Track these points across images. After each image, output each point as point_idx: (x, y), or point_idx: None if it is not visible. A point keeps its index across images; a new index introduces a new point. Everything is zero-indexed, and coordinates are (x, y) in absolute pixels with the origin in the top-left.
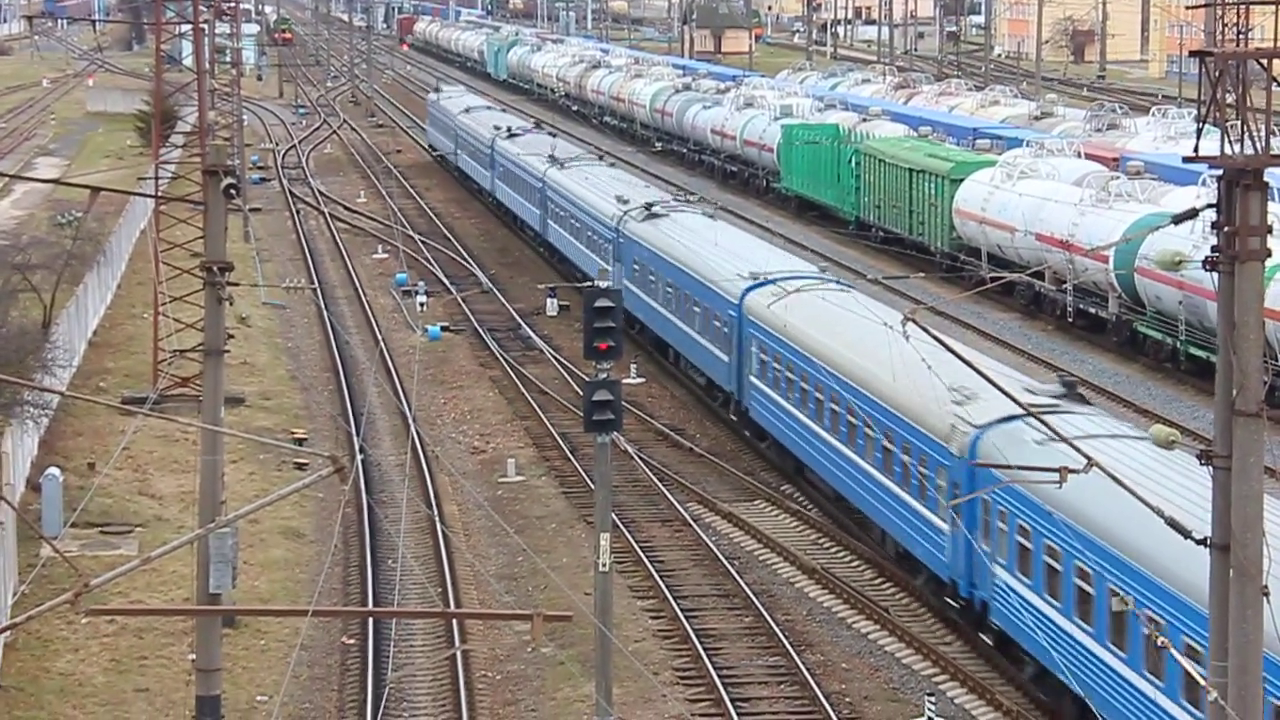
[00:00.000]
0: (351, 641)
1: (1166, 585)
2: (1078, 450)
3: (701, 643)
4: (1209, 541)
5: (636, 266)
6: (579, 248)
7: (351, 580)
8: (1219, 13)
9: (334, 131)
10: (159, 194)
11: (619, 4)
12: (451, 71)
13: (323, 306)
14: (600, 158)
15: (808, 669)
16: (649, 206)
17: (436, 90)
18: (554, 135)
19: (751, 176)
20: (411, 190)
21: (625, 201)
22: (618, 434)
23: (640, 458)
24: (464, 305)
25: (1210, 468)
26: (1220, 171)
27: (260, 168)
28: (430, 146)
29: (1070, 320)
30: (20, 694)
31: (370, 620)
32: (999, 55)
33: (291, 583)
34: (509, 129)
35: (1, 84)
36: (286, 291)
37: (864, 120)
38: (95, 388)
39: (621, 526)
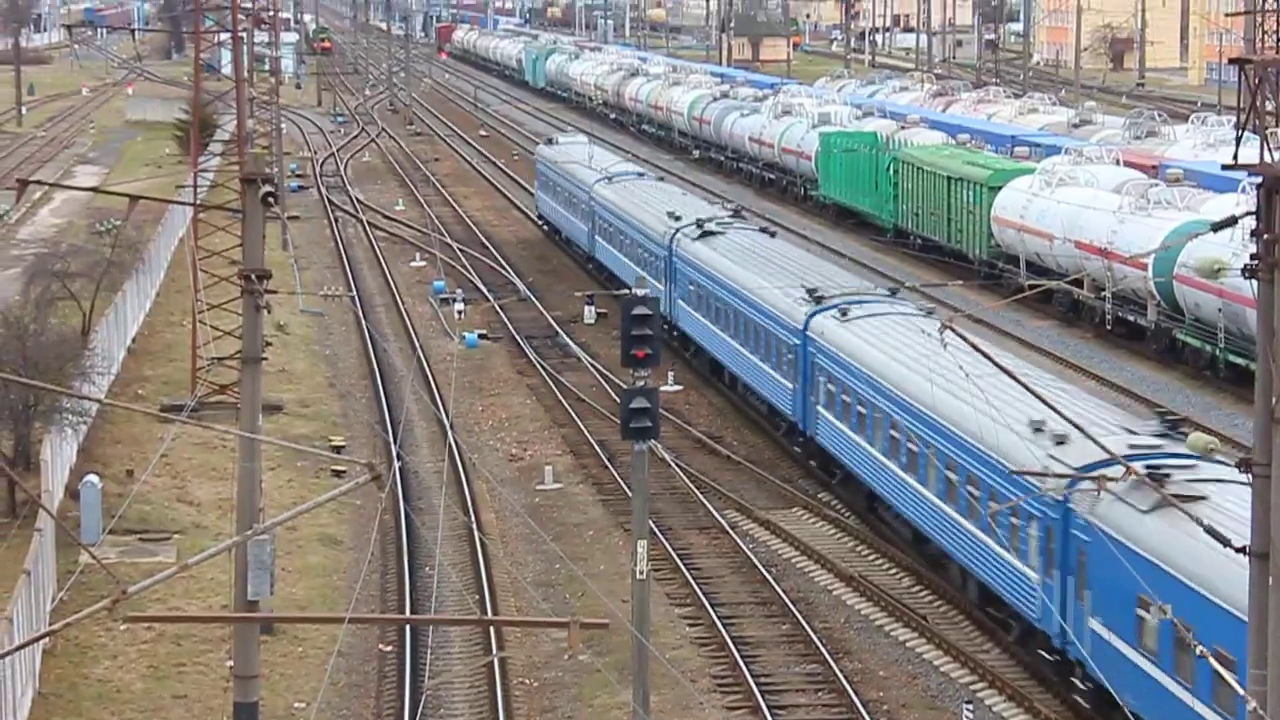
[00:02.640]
0: (389, 648)
1: None
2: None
3: (739, 650)
4: (1248, 550)
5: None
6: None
7: (389, 587)
8: (1259, 19)
9: (372, 140)
10: (197, 202)
11: (657, 12)
12: (490, 80)
13: (361, 314)
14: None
15: (845, 677)
16: (701, 224)
17: (550, 142)
18: (771, 234)
19: (789, 184)
20: (449, 198)
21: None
22: (655, 441)
23: (678, 465)
24: (501, 313)
25: (1249, 475)
26: (1260, 179)
27: (299, 176)
28: (540, 217)
29: (1109, 328)
30: (59, 700)
31: (407, 627)
32: (1037, 63)
33: (329, 590)
34: (699, 224)
35: (41, 92)
36: (324, 299)
37: (902, 128)
38: (134, 395)
39: (659, 534)
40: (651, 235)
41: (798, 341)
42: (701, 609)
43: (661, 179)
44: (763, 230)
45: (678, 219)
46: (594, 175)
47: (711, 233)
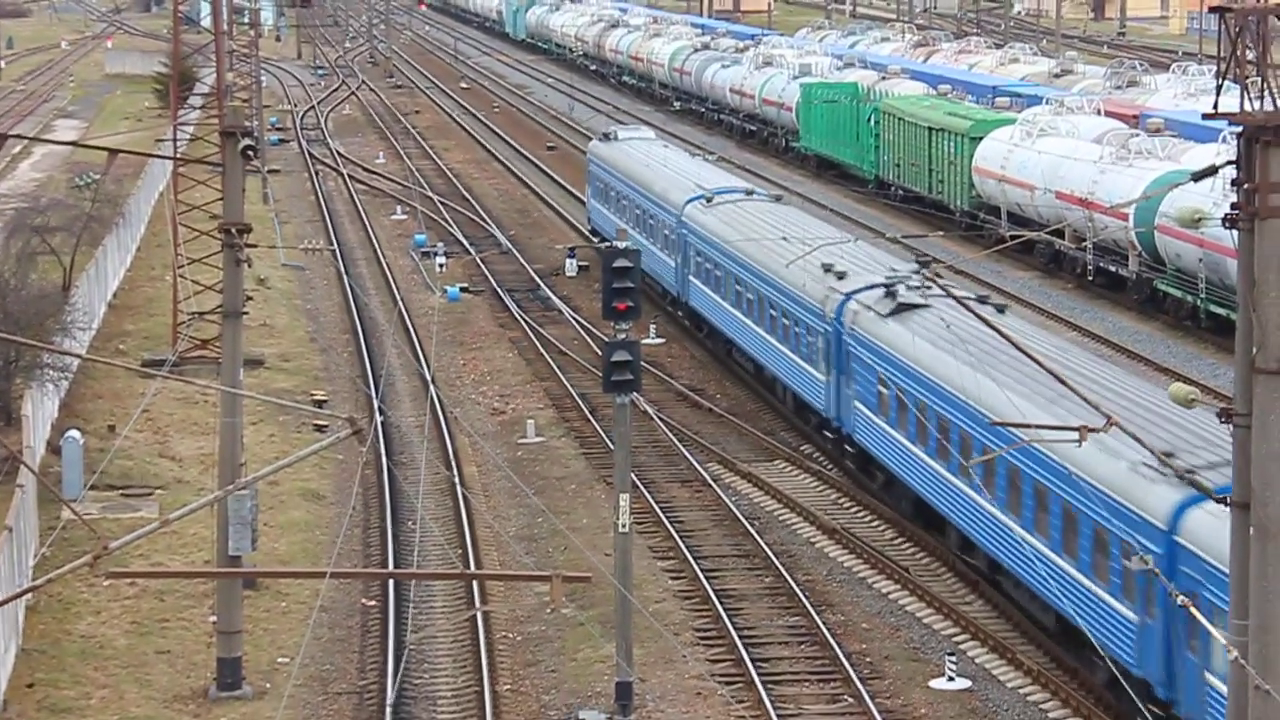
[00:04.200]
0: (372, 603)
1: None
2: None
3: (722, 603)
4: (1229, 500)
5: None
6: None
7: (371, 542)
8: None
9: (352, 92)
10: (177, 156)
11: None
12: (470, 32)
13: (342, 268)
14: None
15: (828, 629)
16: (709, 198)
17: (607, 137)
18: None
19: (770, 136)
20: (430, 151)
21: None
22: (637, 395)
23: (660, 418)
24: (483, 266)
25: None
26: (1240, 128)
27: (279, 129)
28: (594, 231)
29: (1090, 278)
30: (42, 656)
31: (390, 582)
32: (1018, 13)
33: (311, 544)
34: (889, 291)
35: (20, 45)
36: (305, 253)
37: (883, 79)
38: (115, 350)
39: (641, 487)
40: (802, 300)
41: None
42: (684, 562)
43: (779, 198)
44: (997, 307)
45: (841, 276)
46: (684, 192)
47: (910, 307)
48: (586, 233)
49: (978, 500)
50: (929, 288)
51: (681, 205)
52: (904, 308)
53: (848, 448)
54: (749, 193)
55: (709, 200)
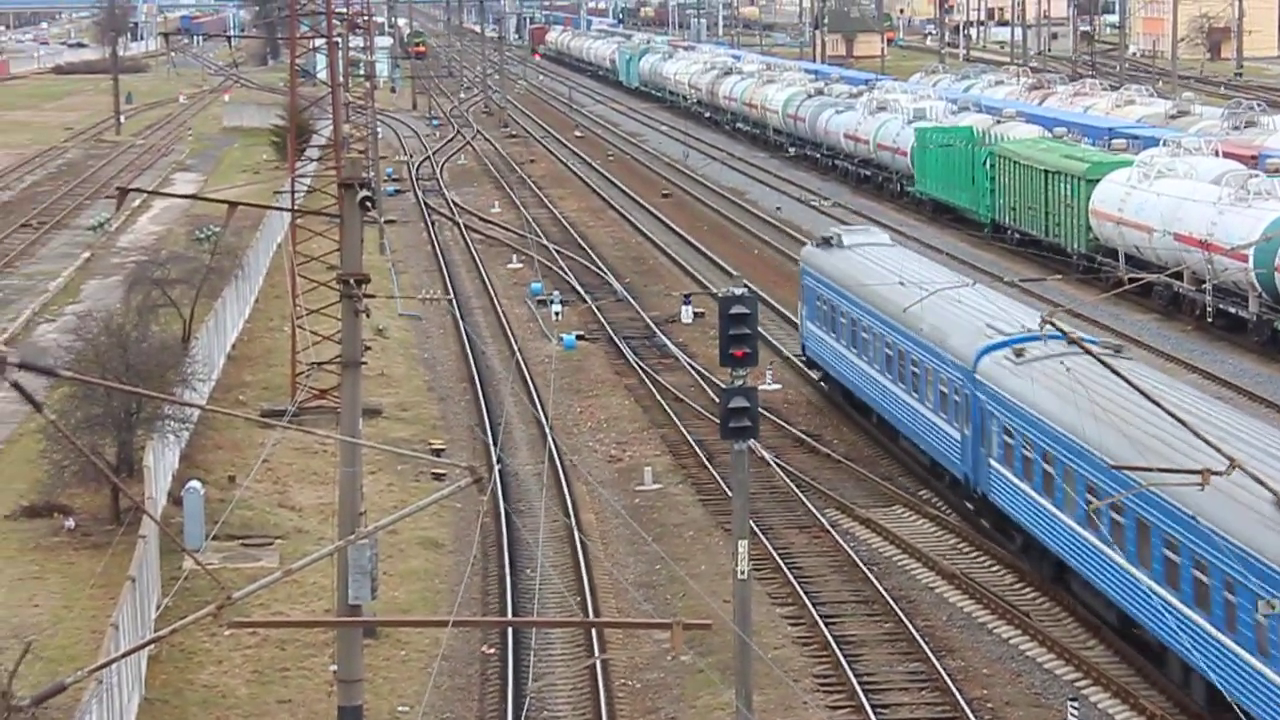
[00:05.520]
0: (491, 651)
1: None
2: None
3: (841, 649)
4: None
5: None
6: None
7: (490, 590)
8: None
9: (467, 143)
10: (295, 208)
11: (750, 10)
12: (584, 81)
13: (459, 317)
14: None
15: (949, 675)
16: (1018, 349)
17: (828, 242)
18: None
19: (885, 180)
20: (545, 199)
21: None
22: (754, 440)
23: (777, 464)
24: (599, 314)
25: None
26: None
27: (395, 180)
28: (810, 361)
29: (1210, 320)
30: (165, 706)
31: (510, 630)
32: (1134, 54)
33: (431, 593)
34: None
35: (139, 100)
36: (422, 303)
37: (998, 122)
38: (234, 401)
39: (759, 533)
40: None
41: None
42: (803, 608)
43: (1119, 350)
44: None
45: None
46: (973, 337)
47: (1050, 360)
48: (800, 361)
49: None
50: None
51: (972, 356)
52: (1044, 361)
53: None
54: (1072, 341)
55: (1019, 354)
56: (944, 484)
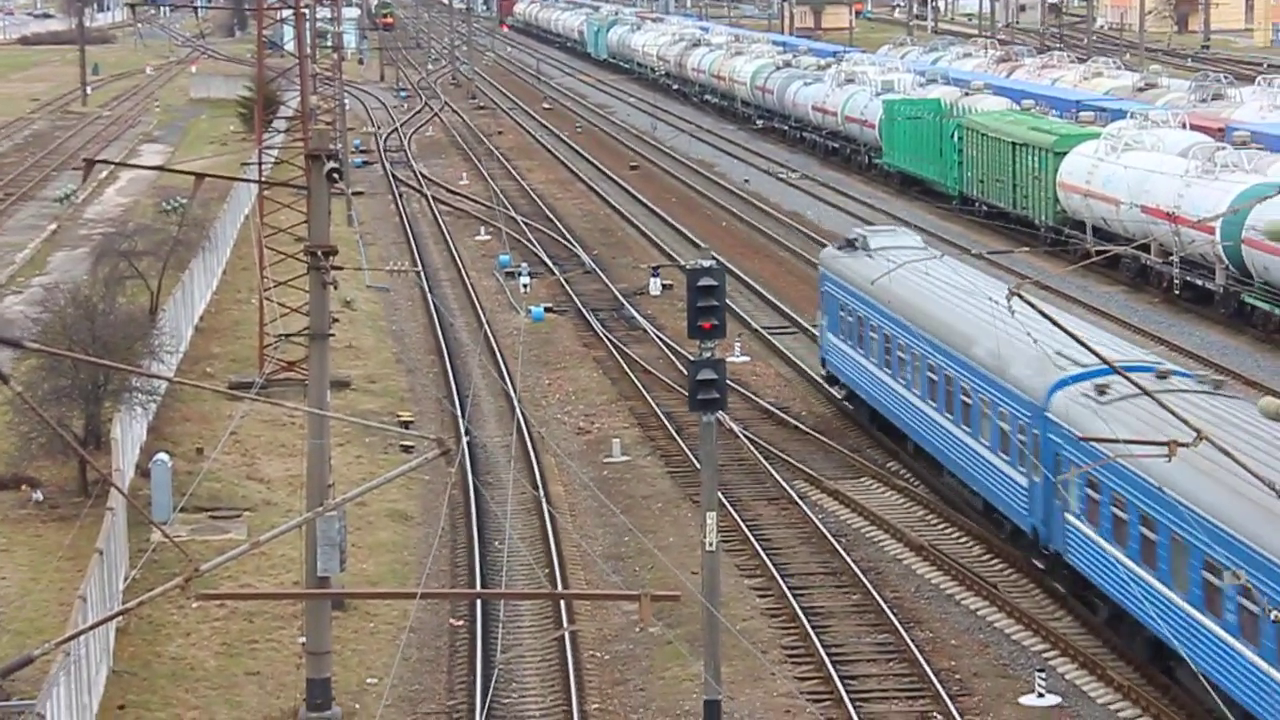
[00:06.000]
0: (460, 623)
1: None
2: None
3: (809, 621)
4: None
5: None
6: None
7: (459, 562)
8: None
9: (435, 114)
10: (263, 179)
11: None
12: (552, 52)
13: (426, 289)
14: None
15: (916, 646)
16: (1101, 387)
17: (851, 244)
18: None
19: (853, 153)
20: (513, 171)
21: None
22: (723, 413)
23: (745, 436)
24: (567, 286)
25: None
26: None
27: (362, 151)
28: (830, 375)
29: (1177, 293)
30: (133, 678)
31: (478, 602)
32: (1101, 27)
33: (399, 565)
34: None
35: (106, 71)
36: (390, 275)
37: (966, 94)
38: (202, 373)
39: (728, 505)
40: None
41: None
42: (771, 580)
43: (1220, 385)
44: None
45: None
46: (1042, 369)
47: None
48: (820, 377)
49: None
50: (1165, 376)
51: (1042, 391)
52: (1133, 401)
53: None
54: (1163, 375)
55: (1102, 391)
56: (1002, 534)
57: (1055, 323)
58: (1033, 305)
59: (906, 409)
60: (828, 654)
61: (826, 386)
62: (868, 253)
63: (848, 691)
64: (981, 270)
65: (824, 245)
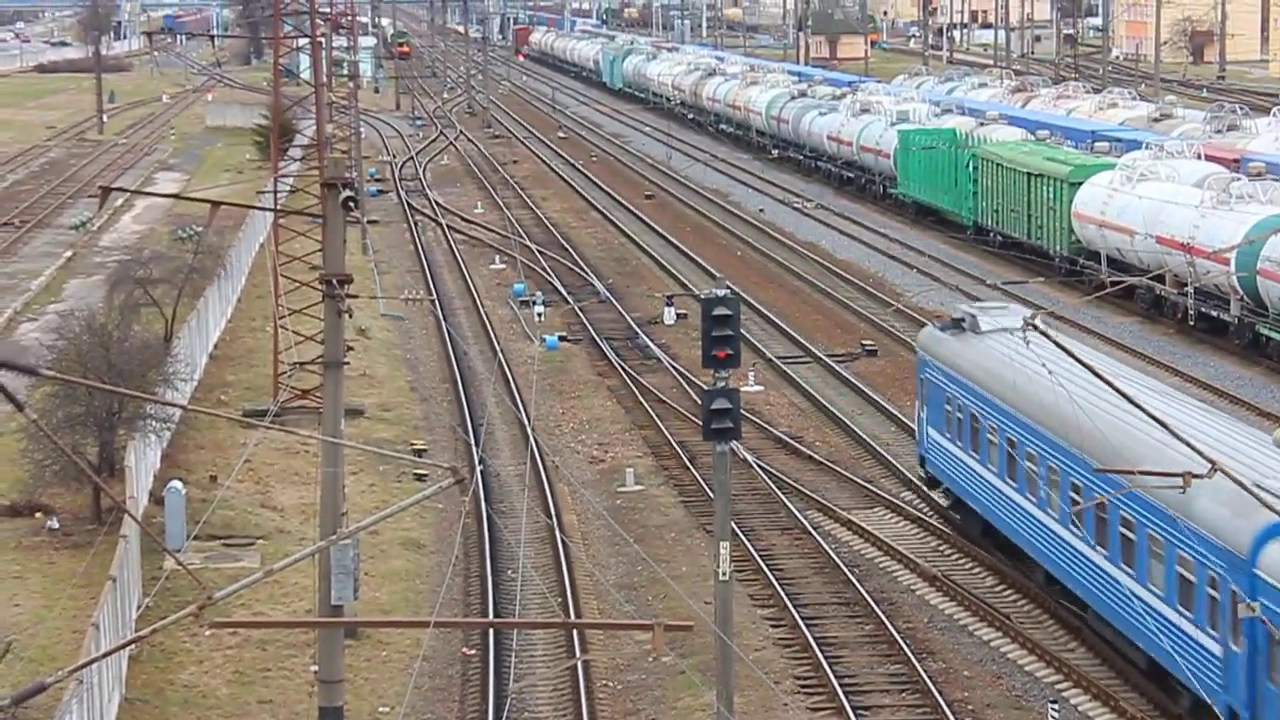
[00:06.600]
0: (473, 652)
1: None
2: None
3: (822, 651)
4: None
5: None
6: None
7: (472, 591)
8: None
9: (451, 143)
10: (278, 207)
11: (734, 11)
12: (567, 81)
13: (441, 318)
14: None
15: (930, 677)
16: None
17: (958, 324)
18: None
19: (868, 182)
20: (529, 200)
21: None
22: (736, 442)
23: (759, 466)
24: (581, 315)
25: None
26: None
27: (378, 180)
28: (931, 476)
29: (1191, 323)
30: (145, 706)
31: (491, 631)
32: (1117, 57)
33: (412, 594)
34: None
35: (122, 99)
36: (405, 303)
37: (981, 124)
38: (216, 401)
39: (741, 535)
40: None
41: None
42: (784, 610)
43: None
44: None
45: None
46: (1248, 509)
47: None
48: (917, 479)
49: None
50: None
51: (1245, 540)
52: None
53: None
54: None
55: None
56: (1181, 706)
57: None
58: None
59: (1039, 533)
60: (840, 685)
61: (926, 490)
62: (978, 334)
63: None
64: (1128, 362)
65: (840, 276)
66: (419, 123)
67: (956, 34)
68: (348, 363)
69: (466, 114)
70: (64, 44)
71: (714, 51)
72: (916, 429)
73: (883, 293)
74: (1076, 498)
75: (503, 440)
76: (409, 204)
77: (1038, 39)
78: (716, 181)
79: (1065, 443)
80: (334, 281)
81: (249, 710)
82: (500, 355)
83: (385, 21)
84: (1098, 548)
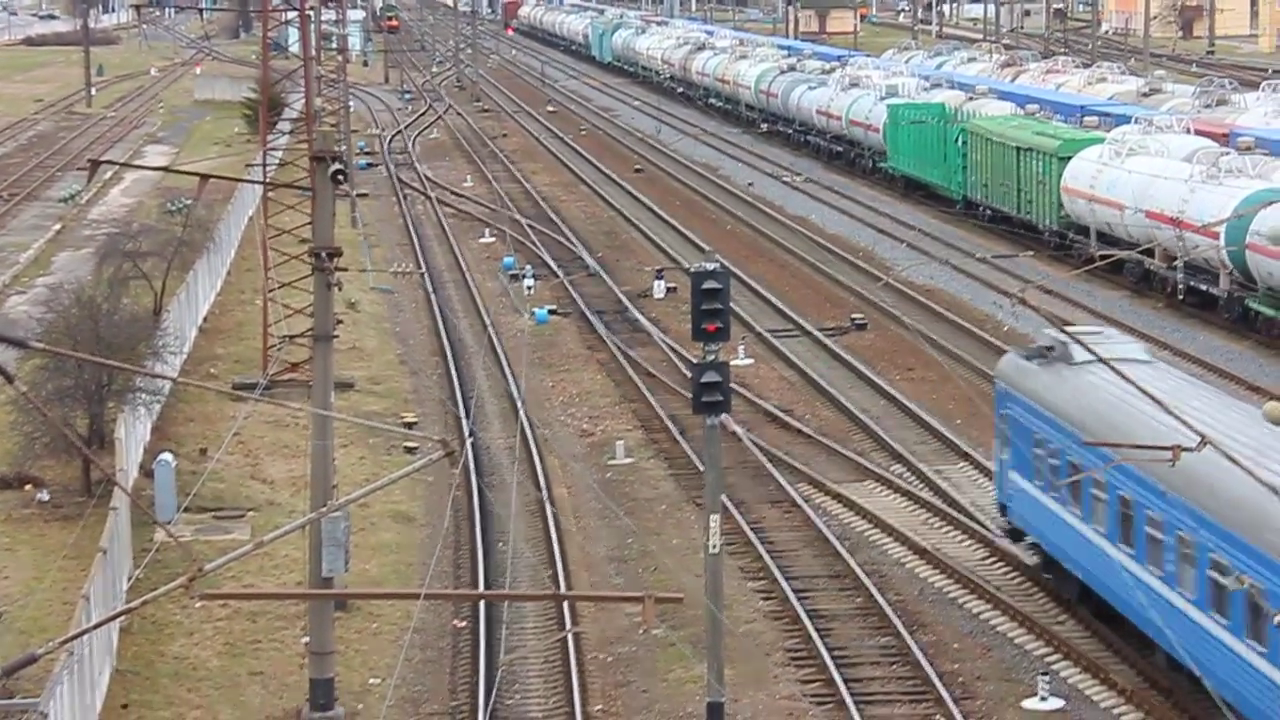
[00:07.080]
0: (463, 624)
1: None
2: None
3: (813, 623)
4: None
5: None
6: None
7: (462, 563)
8: None
9: (440, 117)
10: (267, 180)
11: None
12: (556, 55)
13: (431, 291)
14: None
15: (920, 649)
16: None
17: (1046, 354)
18: None
19: (857, 157)
20: (517, 174)
21: None
22: (727, 415)
23: (750, 439)
24: (571, 288)
25: None
26: None
27: (367, 153)
28: (1013, 526)
29: (1180, 298)
30: (136, 677)
31: (482, 603)
32: (1106, 31)
33: (403, 566)
34: None
35: (110, 73)
36: (395, 276)
37: (970, 99)
38: (206, 374)
39: (731, 508)
40: None
41: None
42: (775, 583)
43: None
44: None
45: None
46: None
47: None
48: (998, 528)
49: None
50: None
51: None
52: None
53: None
54: None
55: None
56: None
57: None
58: None
59: (1154, 603)
60: (831, 657)
61: (1009, 544)
62: (1069, 365)
63: (851, 694)
64: (1247, 398)
65: (829, 250)
66: (408, 96)
67: (946, 8)
68: (337, 336)
69: (456, 87)
70: (52, 17)
71: (703, 25)
72: (996, 473)
73: (872, 266)
74: (1219, 578)
75: (493, 413)
76: (398, 177)
77: (1027, 13)
78: (706, 155)
79: (1186, 501)
80: (323, 255)
81: (240, 682)
82: (490, 328)
83: None
84: (1241, 638)
